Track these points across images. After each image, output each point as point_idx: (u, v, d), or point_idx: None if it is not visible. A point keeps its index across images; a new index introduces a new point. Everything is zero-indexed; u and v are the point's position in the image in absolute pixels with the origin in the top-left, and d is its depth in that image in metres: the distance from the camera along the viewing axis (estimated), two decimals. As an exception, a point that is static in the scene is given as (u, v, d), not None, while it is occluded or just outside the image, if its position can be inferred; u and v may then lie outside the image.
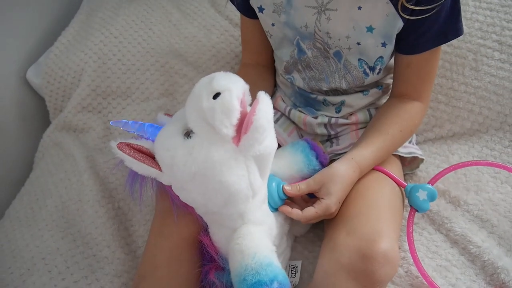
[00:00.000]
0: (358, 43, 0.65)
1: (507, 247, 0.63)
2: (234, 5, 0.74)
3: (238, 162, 0.49)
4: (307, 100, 0.76)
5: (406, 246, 0.64)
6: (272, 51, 0.77)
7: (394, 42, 0.64)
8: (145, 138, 0.56)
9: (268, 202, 0.59)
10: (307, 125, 0.76)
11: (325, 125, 0.75)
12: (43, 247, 0.73)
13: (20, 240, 0.75)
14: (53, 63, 0.93)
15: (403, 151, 0.72)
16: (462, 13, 0.79)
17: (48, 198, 0.80)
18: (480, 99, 0.77)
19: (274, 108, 0.79)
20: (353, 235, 0.55)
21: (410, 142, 0.76)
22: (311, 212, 0.58)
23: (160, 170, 0.52)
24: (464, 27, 0.78)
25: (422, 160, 0.75)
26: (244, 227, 0.54)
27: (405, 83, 0.68)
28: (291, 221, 0.65)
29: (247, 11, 0.72)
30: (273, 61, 0.80)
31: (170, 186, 0.55)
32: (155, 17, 0.96)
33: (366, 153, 0.64)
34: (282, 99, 0.80)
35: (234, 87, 0.47)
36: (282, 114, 0.80)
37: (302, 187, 0.60)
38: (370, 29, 0.63)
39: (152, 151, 0.53)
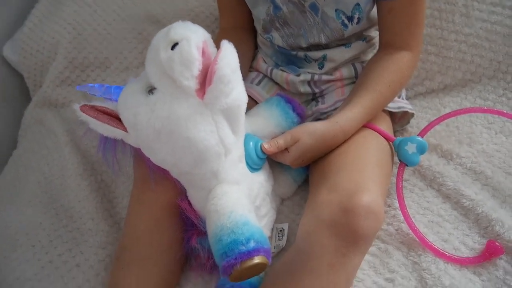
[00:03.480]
0: None
1: (502, 198, 0.60)
2: None
3: (204, 117, 0.47)
4: (289, 58, 0.73)
5: (396, 204, 0.62)
6: (250, 12, 0.73)
7: None
8: (112, 101, 0.53)
9: (247, 162, 0.56)
10: (289, 84, 0.73)
11: (308, 82, 0.72)
12: (26, 222, 0.71)
13: (2, 217, 0.73)
14: (28, 38, 0.90)
15: (392, 106, 0.69)
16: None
17: (30, 175, 0.79)
18: (472, 46, 0.72)
19: (256, 70, 0.78)
20: (334, 191, 0.52)
21: (399, 97, 0.72)
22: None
23: (126, 131, 0.49)
24: None
25: (412, 114, 0.71)
26: (219, 186, 0.51)
27: (389, 31, 0.64)
28: (274, 182, 0.63)
29: None
30: (252, 22, 0.76)
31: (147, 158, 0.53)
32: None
33: (351, 114, 0.60)
34: (264, 60, 0.77)
35: (193, 35, 0.44)
36: (265, 76, 0.76)
37: (280, 143, 0.58)
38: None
39: (118, 112, 0.50)
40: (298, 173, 0.66)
